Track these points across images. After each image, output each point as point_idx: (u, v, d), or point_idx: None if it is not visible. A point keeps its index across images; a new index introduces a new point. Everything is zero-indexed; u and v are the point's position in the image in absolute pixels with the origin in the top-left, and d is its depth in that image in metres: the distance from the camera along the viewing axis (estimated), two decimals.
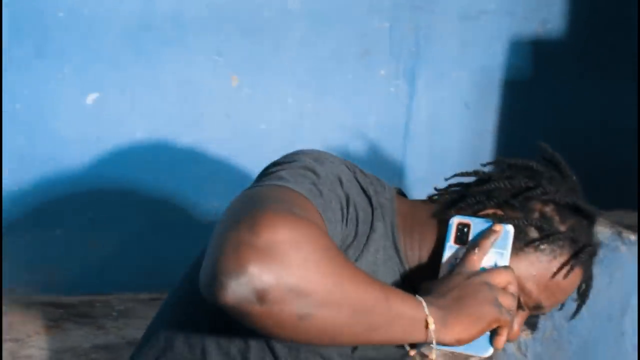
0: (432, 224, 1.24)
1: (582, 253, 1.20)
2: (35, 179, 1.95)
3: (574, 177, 1.33)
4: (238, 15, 2.10)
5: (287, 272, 0.93)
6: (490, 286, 1.11)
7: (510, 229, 1.15)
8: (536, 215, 1.21)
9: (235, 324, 1.15)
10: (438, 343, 1.07)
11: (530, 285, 1.19)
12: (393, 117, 2.43)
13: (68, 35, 1.94)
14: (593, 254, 1.24)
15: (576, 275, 1.20)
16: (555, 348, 1.84)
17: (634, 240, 1.67)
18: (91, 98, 1.99)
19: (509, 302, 1.11)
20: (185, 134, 2.09)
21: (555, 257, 1.19)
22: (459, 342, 1.09)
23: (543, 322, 1.87)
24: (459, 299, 1.10)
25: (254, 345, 1.23)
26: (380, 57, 2.36)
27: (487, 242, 1.16)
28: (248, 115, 2.17)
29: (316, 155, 1.18)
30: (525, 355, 1.92)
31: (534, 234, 1.19)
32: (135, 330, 1.71)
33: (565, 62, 2.71)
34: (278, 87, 2.20)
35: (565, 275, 1.19)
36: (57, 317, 1.96)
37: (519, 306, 1.19)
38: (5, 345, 1.79)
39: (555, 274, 1.18)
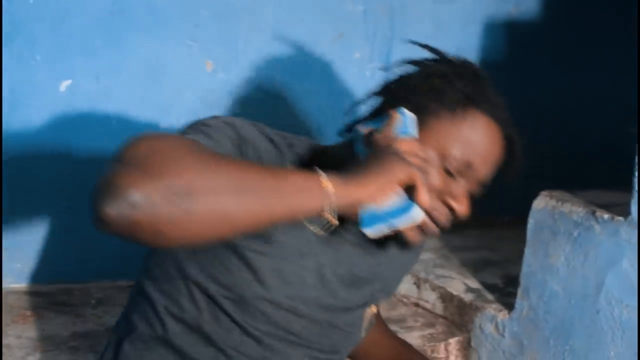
0: (345, 148, 1.32)
1: (478, 102, 1.32)
2: (9, 166, 1.93)
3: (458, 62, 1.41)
4: (211, 0, 2.09)
5: (157, 173, 0.97)
6: (395, 153, 1.16)
7: (404, 111, 1.23)
8: (425, 89, 1.31)
9: (184, 294, 1.20)
10: (346, 212, 1.10)
11: (447, 149, 1.28)
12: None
13: (39, 22, 1.92)
14: (490, 101, 1.35)
15: (482, 122, 1.32)
16: (532, 327, 1.86)
17: (608, 219, 1.69)
18: (64, 85, 1.98)
19: (416, 160, 1.18)
20: (160, 119, 2.09)
21: (455, 116, 1.30)
22: (365, 198, 1.11)
23: (519, 302, 1.89)
24: (363, 167, 1.14)
25: (205, 308, 1.28)
26: (355, 40, 2.36)
27: (388, 129, 1.23)
28: (223, 99, 2.16)
29: (221, 118, 1.26)
30: (502, 335, 1.94)
31: (431, 104, 1.30)
32: (114, 317, 1.70)
33: (539, 43, 2.72)
34: (252, 71, 2.20)
35: (472, 126, 1.30)
36: (35, 305, 1.95)
37: (450, 174, 1.28)
38: None
39: (459, 127, 1.29)
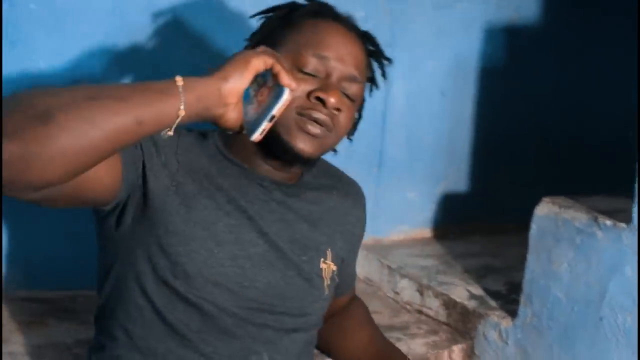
0: None
1: (315, 14, 1.45)
2: None
3: None
4: (212, 5, 2.09)
5: (17, 109, 1.03)
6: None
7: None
8: (274, 24, 1.47)
9: (136, 291, 1.34)
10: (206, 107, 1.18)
11: (298, 53, 1.39)
12: (370, 106, 2.41)
13: (40, 26, 1.92)
14: (328, 10, 1.47)
15: (322, 24, 1.42)
16: (535, 334, 1.86)
17: (610, 225, 1.69)
18: None
19: (266, 52, 1.27)
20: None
21: (297, 27, 1.43)
22: (226, 84, 1.20)
23: (523, 309, 1.89)
24: (220, 66, 1.24)
25: (158, 296, 1.34)
26: None
27: None
28: None
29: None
30: (506, 343, 1.94)
31: (279, 31, 1.45)
32: None
33: (540, 48, 2.73)
34: None
35: (312, 29, 1.41)
36: (40, 312, 1.95)
37: (307, 73, 1.38)
38: None
39: (301, 33, 1.41)
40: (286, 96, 1.27)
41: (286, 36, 1.43)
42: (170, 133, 1.18)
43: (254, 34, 1.53)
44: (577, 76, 2.77)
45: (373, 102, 2.48)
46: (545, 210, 1.84)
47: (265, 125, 1.27)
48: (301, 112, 1.36)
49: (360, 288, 2.16)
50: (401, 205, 2.59)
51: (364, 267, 2.38)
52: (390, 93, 2.48)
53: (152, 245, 1.31)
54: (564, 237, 1.79)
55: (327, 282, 1.49)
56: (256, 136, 1.28)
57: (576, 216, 1.77)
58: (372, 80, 1.56)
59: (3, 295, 2.00)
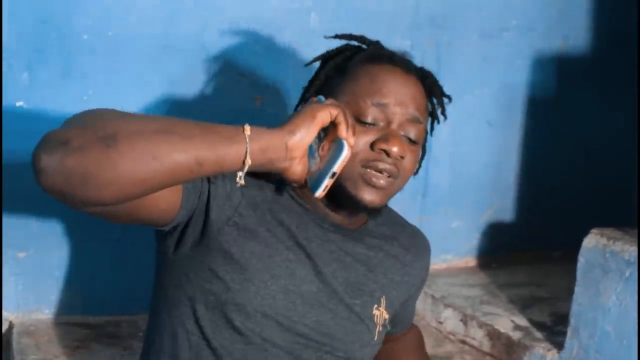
0: None
1: (370, 58, 1.43)
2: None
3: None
4: (260, 36, 2.11)
5: (86, 125, 1.09)
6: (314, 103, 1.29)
7: (321, 97, 1.33)
8: (330, 72, 1.48)
9: (187, 315, 1.35)
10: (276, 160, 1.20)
11: (357, 103, 1.37)
12: None
13: (92, 57, 1.95)
14: (383, 53, 1.45)
15: (378, 69, 1.40)
16: None
17: None
18: None
19: (333, 104, 1.27)
20: None
21: (354, 75, 1.42)
22: (292, 138, 1.21)
23: (569, 341, 1.87)
24: (287, 119, 1.26)
25: (207, 323, 1.34)
26: None
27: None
28: None
29: None
30: None
31: (334, 80, 1.45)
32: None
33: (588, 77, 2.70)
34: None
35: (369, 76, 1.39)
36: (84, 337, 1.97)
37: (367, 123, 1.37)
38: None
39: (359, 82, 1.39)
40: (345, 153, 1.27)
41: (342, 85, 1.42)
42: (242, 182, 1.21)
43: (311, 82, 1.53)
44: (626, 106, 2.74)
45: None
46: (593, 242, 1.82)
47: (327, 182, 1.28)
48: (366, 164, 1.36)
49: None
50: (446, 234, 2.58)
51: None
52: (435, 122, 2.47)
53: (206, 271, 1.32)
54: (612, 269, 1.76)
55: (378, 328, 1.48)
56: (319, 193, 1.29)
57: (625, 248, 1.74)
58: (433, 115, 1.55)
59: (48, 319, 2.02)
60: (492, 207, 2.67)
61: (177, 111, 2.05)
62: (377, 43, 1.52)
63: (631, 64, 2.66)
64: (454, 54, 2.47)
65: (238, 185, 1.22)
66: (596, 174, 2.78)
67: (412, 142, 1.41)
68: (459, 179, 2.57)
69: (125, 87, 2.00)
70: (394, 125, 1.38)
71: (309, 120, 1.22)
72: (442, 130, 2.47)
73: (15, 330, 1.96)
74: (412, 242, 1.60)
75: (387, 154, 1.35)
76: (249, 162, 1.17)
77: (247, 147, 1.16)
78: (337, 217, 1.45)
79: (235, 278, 1.32)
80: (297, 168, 1.24)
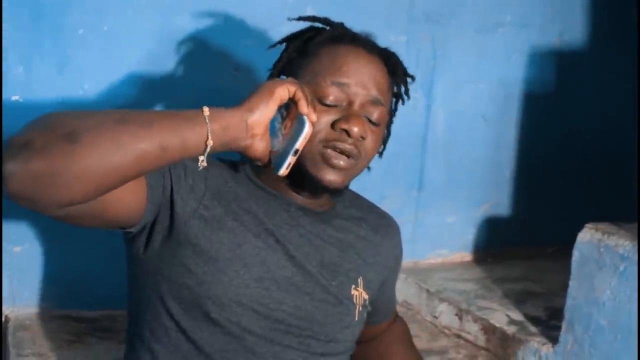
0: None
1: (331, 39, 1.43)
2: None
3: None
4: (256, 31, 2.11)
5: (45, 128, 1.09)
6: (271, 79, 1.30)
7: (282, 77, 1.34)
8: (292, 54, 1.48)
9: (163, 314, 1.34)
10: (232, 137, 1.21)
11: (318, 83, 1.37)
12: (411, 130, 2.43)
13: (88, 51, 1.95)
14: (345, 33, 1.45)
15: (340, 49, 1.41)
16: None
17: None
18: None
19: (290, 81, 1.28)
20: None
21: (315, 56, 1.42)
22: (252, 116, 1.22)
23: (564, 335, 1.87)
24: (245, 98, 1.27)
25: (184, 319, 1.35)
26: None
27: None
28: None
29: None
30: None
31: (296, 62, 1.46)
32: None
33: (584, 73, 2.71)
34: None
35: (330, 56, 1.40)
36: (79, 331, 1.97)
37: (328, 104, 1.36)
38: None
39: (320, 62, 1.40)
40: (307, 129, 1.27)
41: (304, 65, 1.43)
42: (204, 164, 1.21)
43: (275, 64, 1.53)
44: (621, 101, 2.74)
45: (414, 125, 2.50)
46: (588, 236, 1.82)
47: (290, 160, 1.28)
48: (326, 144, 1.36)
49: (398, 311, 2.15)
50: (441, 229, 2.58)
51: (403, 290, 2.37)
52: (431, 116, 2.48)
53: (178, 266, 1.32)
54: (607, 263, 1.76)
55: (358, 308, 1.48)
56: (282, 171, 1.28)
57: (619, 243, 1.75)
58: (398, 96, 1.55)
59: (43, 314, 2.02)
60: (488, 202, 2.68)
61: (173, 106, 2.05)
62: (341, 24, 1.51)
63: (627, 59, 2.66)
64: (449, 50, 2.47)
65: (200, 167, 1.21)
66: (591, 169, 2.78)
67: (373, 123, 1.41)
68: (454, 174, 2.57)
69: (121, 81, 2.00)
70: (355, 106, 1.38)
71: (267, 96, 1.23)
72: (438, 125, 2.50)
73: (10, 325, 1.96)
74: (380, 223, 1.60)
75: (348, 134, 1.35)
76: (210, 142, 1.17)
77: (208, 127, 1.17)
78: (303, 200, 1.45)
79: (207, 270, 1.32)
80: (260, 145, 1.25)
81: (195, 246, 1.32)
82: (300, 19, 1.55)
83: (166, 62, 2.03)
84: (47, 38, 1.90)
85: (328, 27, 1.51)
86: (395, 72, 1.50)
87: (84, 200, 1.10)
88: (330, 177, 1.37)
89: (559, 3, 2.63)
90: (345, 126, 1.35)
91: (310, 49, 1.44)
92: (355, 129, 1.35)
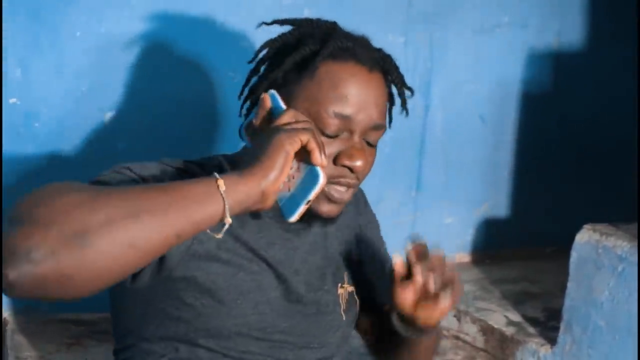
0: (244, 150, 1.39)
1: (326, 54, 1.30)
2: None
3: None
4: (253, 33, 2.11)
5: (47, 222, 0.97)
6: (277, 128, 1.17)
7: (272, 91, 1.27)
8: (279, 64, 1.34)
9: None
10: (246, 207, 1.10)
11: (315, 108, 1.28)
12: (409, 131, 2.43)
13: (85, 54, 1.95)
14: (340, 46, 1.32)
15: (337, 70, 1.30)
16: None
17: None
18: (108, 116, 2.00)
19: (299, 125, 1.18)
20: (205, 151, 2.10)
21: (310, 76, 1.30)
22: (267, 182, 1.12)
23: (562, 336, 1.87)
24: (253, 154, 1.15)
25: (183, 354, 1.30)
26: None
27: (262, 111, 1.26)
28: None
29: (116, 167, 1.26)
30: None
31: (289, 75, 1.32)
32: None
33: (581, 74, 2.71)
34: None
35: (328, 79, 1.29)
36: (78, 334, 1.97)
37: (329, 135, 1.28)
38: None
39: (317, 85, 1.29)
40: (322, 181, 1.19)
41: (302, 85, 1.32)
42: (220, 236, 1.13)
43: (267, 75, 1.40)
44: (619, 102, 2.74)
45: (412, 126, 2.51)
46: (586, 237, 1.83)
47: (302, 209, 1.20)
48: (329, 180, 1.27)
49: None
50: (439, 230, 2.58)
51: None
52: (428, 117, 2.48)
53: (173, 299, 1.28)
54: (605, 264, 1.77)
55: (343, 307, 1.47)
56: (294, 219, 1.22)
57: (617, 244, 1.75)
58: (391, 99, 1.46)
59: (42, 317, 2.02)
60: (486, 203, 2.68)
61: (170, 109, 2.05)
62: (335, 25, 1.40)
63: (625, 59, 2.66)
64: (447, 50, 2.47)
65: (215, 237, 1.15)
66: (589, 170, 2.79)
67: (370, 145, 1.35)
68: (452, 174, 2.57)
69: (118, 84, 1.99)
70: (356, 136, 1.31)
71: (282, 158, 1.13)
72: (436, 126, 2.50)
73: (9, 328, 1.96)
74: (353, 201, 1.53)
75: (351, 170, 1.30)
76: (229, 221, 1.09)
77: (225, 205, 1.08)
78: None
79: (206, 303, 1.28)
80: (270, 203, 1.16)
81: (189, 280, 1.27)
82: (282, 22, 1.44)
83: (164, 65, 2.03)
84: (45, 40, 1.90)
85: (318, 29, 1.39)
86: (394, 83, 1.43)
87: (93, 294, 1.04)
88: (328, 209, 1.31)
89: (557, 3, 2.63)
90: (348, 163, 1.29)
91: (307, 65, 1.33)
92: (358, 164, 1.29)
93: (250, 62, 1.45)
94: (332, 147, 1.29)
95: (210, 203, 1.07)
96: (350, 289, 1.49)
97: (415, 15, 2.39)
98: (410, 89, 1.47)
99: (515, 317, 2.15)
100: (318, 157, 1.18)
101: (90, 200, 1.01)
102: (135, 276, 1.23)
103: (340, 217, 1.43)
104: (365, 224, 1.61)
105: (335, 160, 1.30)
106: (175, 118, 2.07)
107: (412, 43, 2.39)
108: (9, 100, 1.89)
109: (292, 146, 1.14)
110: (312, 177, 1.19)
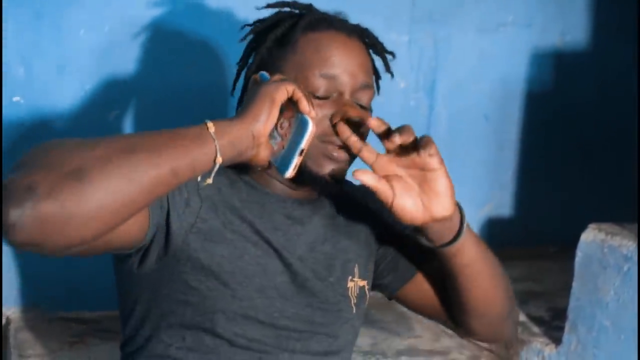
0: None
1: (304, 27, 1.37)
2: None
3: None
4: None
5: (46, 164, 1.02)
6: (264, 84, 1.24)
7: (263, 72, 1.31)
8: (265, 45, 1.39)
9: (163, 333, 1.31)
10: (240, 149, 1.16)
11: (305, 78, 1.33)
12: (413, 128, 2.42)
13: (88, 52, 1.95)
14: (315, 17, 1.39)
15: (316, 37, 1.36)
16: None
17: None
18: (111, 114, 2.00)
19: (286, 82, 1.23)
20: None
21: (292, 47, 1.37)
22: (256, 125, 1.18)
23: (567, 336, 1.87)
24: (243, 107, 1.22)
25: (187, 337, 1.32)
26: (400, 70, 2.35)
27: (254, 83, 1.30)
28: None
29: None
30: None
31: (274, 53, 1.38)
32: None
33: (586, 73, 2.70)
34: None
35: (310, 46, 1.35)
36: (81, 332, 1.97)
37: (320, 97, 1.32)
38: None
39: (300, 53, 1.35)
40: (311, 128, 1.23)
41: (286, 58, 1.37)
42: (210, 181, 1.18)
43: (254, 58, 1.45)
44: (623, 101, 2.74)
45: (416, 125, 2.48)
46: (591, 236, 1.82)
47: (296, 161, 1.24)
48: (325, 139, 1.32)
49: (400, 311, 2.15)
50: None
51: None
52: (433, 116, 2.47)
53: (179, 283, 1.29)
54: (610, 264, 1.76)
55: (353, 300, 1.46)
56: (290, 173, 1.25)
57: (623, 243, 1.74)
58: (377, 74, 1.50)
59: (45, 315, 2.02)
60: (490, 202, 2.67)
61: (175, 107, 2.05)
62: (310, 6, 1.45)
63: (629, 59, 2.66)
64: (451, 49, 2.47)
65: (205, 184, 1.19)
66: (594, 169, 2.78)
67: (363, 108, 1.37)
68: (456, 174, 2.53)
69: (122, 82, 1.99)
70: (346, 95, 1.34)
71: (269, 103, 1.19)
72: (440, 124, 2.50)
73: (12, 326, 1.96)
74: (362, 194, 1.53)
75: (353, 125, 1.31)
76: (219, 159, 1.14)
77: (216, 144, 1.13)
78: (297, 193, 1.40)
79: (211, 285, 1.29)
80: (264, 153, 1.22)
81: (194, 262, 1.28)
82: (269, 6, 1.48)
83: (166, 61, 2.03)
84: (48, 38, 1.90)
85: (297, 10, 1.45)
86: (374, 48, 1.48)
87: (95, 239, 1.06)
88: (332, 171, 1.33)
89: (561, 3, 2.63)
90: (351, 114, 1.31)
91: (289, 39, 1.38)
92: (352, 114, 1.31)
93: (240, 41, 1.49)
94: (325, 108, 1.33)
95: (202, 142, 1.13)
96: (362, 283, 1.48)
97: (419, 14, 2.38)
98: (391, 53, 1.51)
99: (520, 316, 2.14)
100: (305, 105, 1.23)
101: (88, 142, 1.08)
102: (141, 261, 1.28)
103: (349, 212, 1.48)
104: (379, 207, 1.59)
105: (332, 120, 1.33)
106: (180, 116, 2.06)
107: (416, 42, 2.39)
108: (12, 98, 1.89)
109: (277, 94, 1.20)
110: (303, 127, 1.23)
